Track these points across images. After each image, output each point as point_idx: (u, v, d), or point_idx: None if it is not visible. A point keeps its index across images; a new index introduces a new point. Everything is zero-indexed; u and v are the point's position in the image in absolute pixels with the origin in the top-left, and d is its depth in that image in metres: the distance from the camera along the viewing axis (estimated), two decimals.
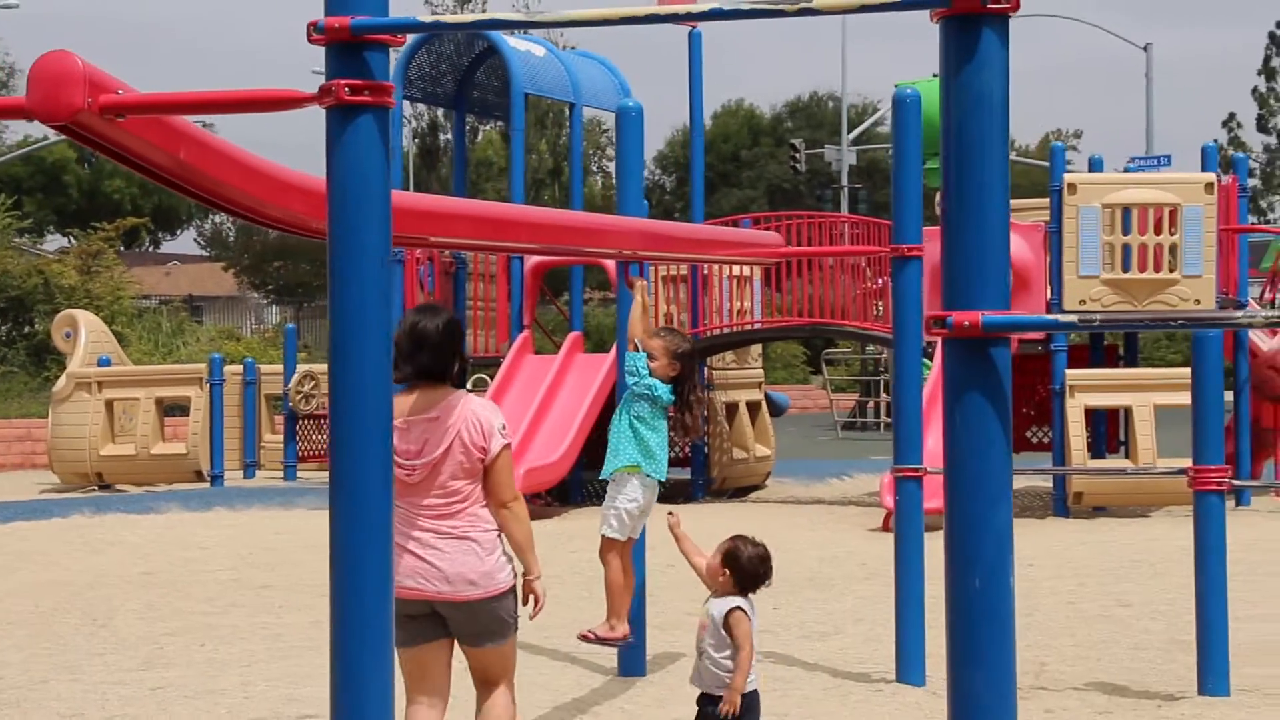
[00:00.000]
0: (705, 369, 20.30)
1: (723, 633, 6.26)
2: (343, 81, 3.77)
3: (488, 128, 59.41)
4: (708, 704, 6.31)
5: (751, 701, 6.30)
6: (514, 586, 5.97)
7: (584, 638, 8.07)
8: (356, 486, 3.86)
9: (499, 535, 5.93)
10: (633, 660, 9.02)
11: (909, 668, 8.75)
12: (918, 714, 8.05)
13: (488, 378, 21.35)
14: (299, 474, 22.97)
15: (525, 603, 6.03)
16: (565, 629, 10.55)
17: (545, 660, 9.52)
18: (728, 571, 6.33)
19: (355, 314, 3.83)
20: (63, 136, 4.15)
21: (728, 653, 6.25)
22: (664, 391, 7.49)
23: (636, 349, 7.62)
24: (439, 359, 5.89)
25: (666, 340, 7.57)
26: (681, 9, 3.70)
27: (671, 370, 7.52)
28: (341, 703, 3.89)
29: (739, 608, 6.27)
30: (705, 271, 19.45)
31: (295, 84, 4.19)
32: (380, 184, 3.85)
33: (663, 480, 7.74)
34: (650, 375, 7.49)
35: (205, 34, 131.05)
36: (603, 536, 7.72)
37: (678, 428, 7.71)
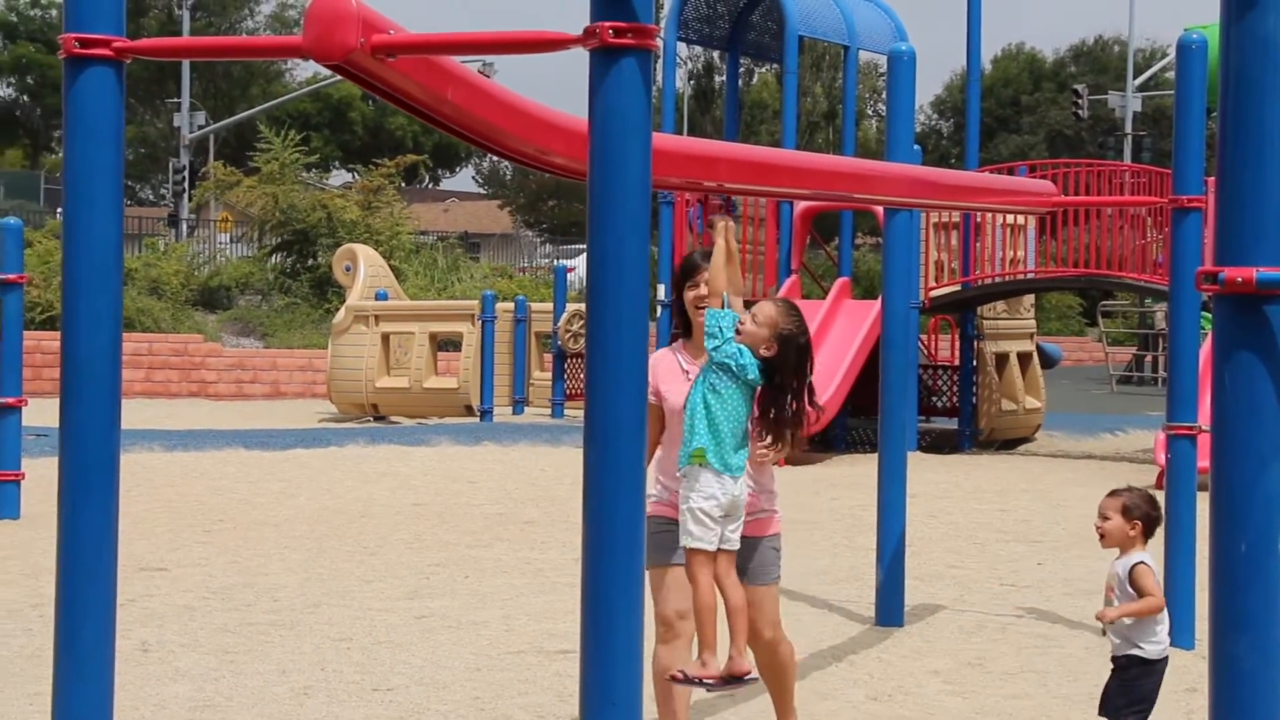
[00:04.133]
0: (974, 318, 19.97)
1: (1130, 589, 5.97)
2: (607, 24, 3.76)
3: (763, 70, 59.25)
4: (1124, 666, 6.02)
5: (1152, 668, 5.98)
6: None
7: (674, 678, 6.35)
8: (610, 427, 3.87)
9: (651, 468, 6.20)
10: (891, 610, 8.96)
11: (1178, 631, 8.47)
12: (1185, 678, 7.83)
13: None
14: (566, 412, 23.31)
15: None
16: (821, 576, 10.56)
17: (804, 607, 9.51)
18: (1138, 524, 6.04)
19: (614, 255, 3.83)
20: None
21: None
22: (752, 367, 5.77)
23: (723, 305, 5.83)
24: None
25: (777, 311, 5.89)
26: None
27: (767, 349, 5.79)
28: (591, 638, 3.93)
29: (1143, 561, 5.99)
30: (978, 219, 19.12)
31: (554, 24, 4.22)
32: (641, 126, 3.83)
33: (738, 475, 5.88)
34: (735, 340, 5.75)
35: None
36: (685, 548, 5.95)
37: (763, 429, 5.93)
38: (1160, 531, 8.91)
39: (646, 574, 5.95)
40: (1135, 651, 5.95)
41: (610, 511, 3.89)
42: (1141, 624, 5.96)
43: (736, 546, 5.97)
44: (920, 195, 7.88)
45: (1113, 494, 6.17)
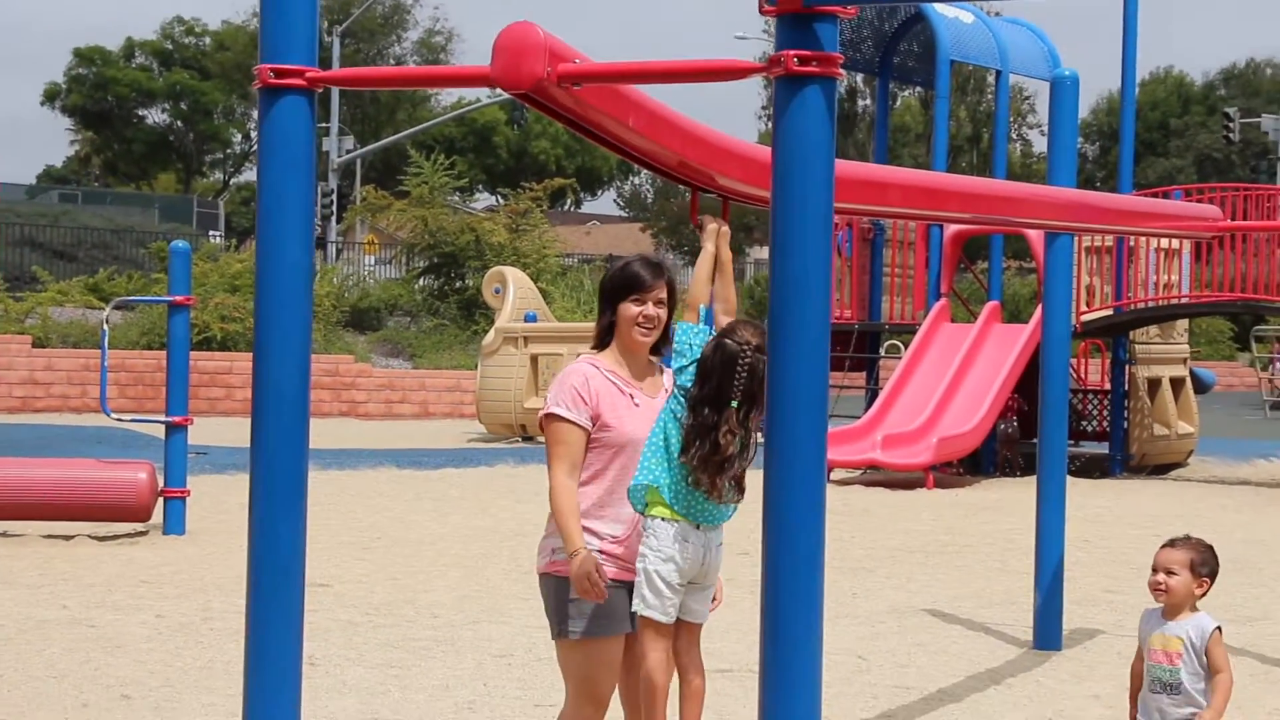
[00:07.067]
0: (1127, 342, 19.74)
1: (1203, 659, 5.35)
2: (792, 52, 3.82)
3: (905, 94, 59.02)
4: None
5: None
6: (544, 575, 5.14)
7: None
8: (791, 449, 3.91)
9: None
10: (1049, 634, 8.92)
11: None
12: None
13: (901, 345, 21.33)
14: None
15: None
16: (976, 599, 10.52)
17: (959, 630, 9.50)
18: (1206, 583, 5.42)
19: (797, 282, 3.88)
20: (496, 99, 4.34)
21: (1204, 679, 5.36)
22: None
23: (700, 319, 5.09)
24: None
25: (735, 321, 5.07)
26: None
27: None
28: (770, 666, 3.96)
29: (1220, 627, 5.39)
30: (1131, 244, 18.93)
31: (708, 49, 4.24)
32: (825, 153, 3.89)
33: (711, 523, 4.98)
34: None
35: None
36: (636, 615, 5.04)
37: (690, 462, 4.88)
38: None
39: (581, 645, 5.04)
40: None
41: (792, 536, 3.91)
42: (1206, 686, 5.38)
43: (703, 619, 5.06)
44: (1089, 219, 7.86)
45: (1174, 545, 5.49)
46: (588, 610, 5.00)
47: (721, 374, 4.86)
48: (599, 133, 4.64)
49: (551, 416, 5.03)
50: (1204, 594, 5.42)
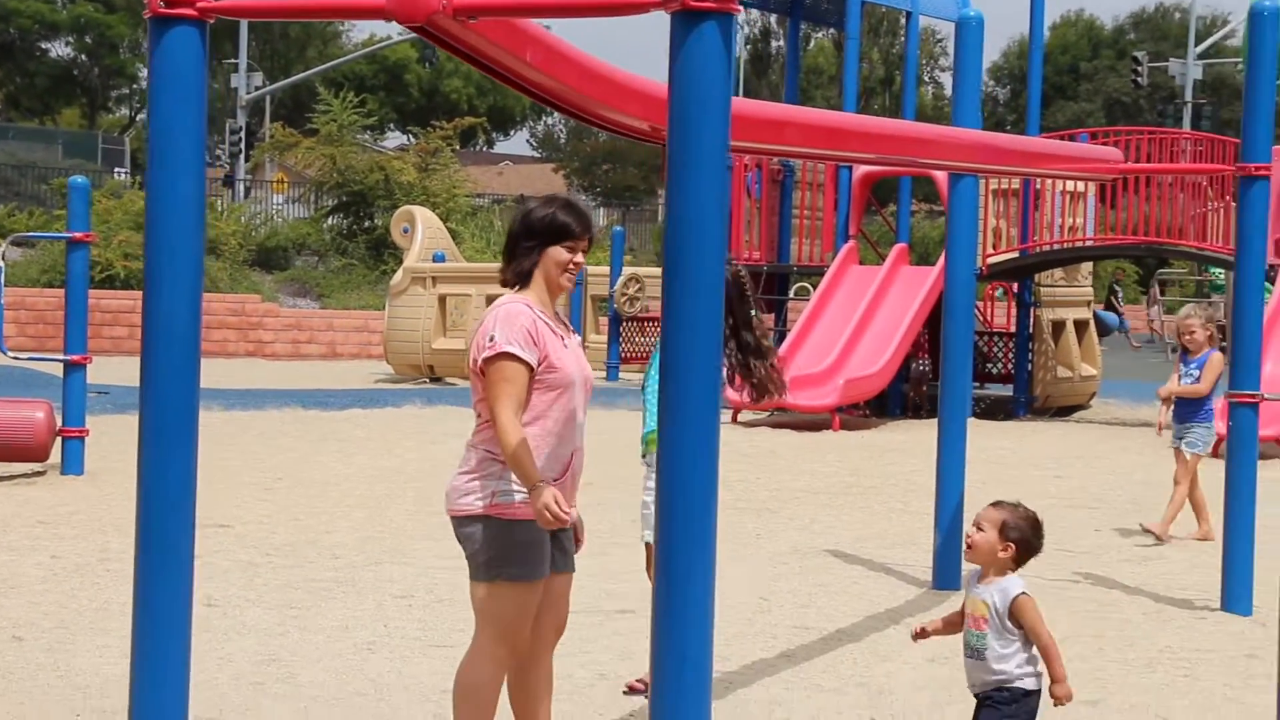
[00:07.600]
0: (1032, 285, 19.88)
1: (1009, 624, 5.16)
2: None
3: (820, 35, 59.07)
4: (990, 706, 5.19)
5: (1034, 698, 5.19)
6: (480, 517, 5.05)
7: (633, 689, 6.45)
8: (685, 390, 3.90)
9: (499, 459, 5.06)
10: (948, 573, 8.99)
11: (1235, 596, 8.53)
12: (1242, 644, 7.85)
13: (810, 286, 21.40)
14: (621, 375, 23.35)
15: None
16: (877, 539, 10.60)
17: (861, 570, 9.57)
18: (1011, 547, 5.22)
19: (693, 221, 3.85)
20: (406, 37, 4.28)
21: (1015, 646, 5.16)
22: None
23: None
24: (504, 256, 5.28)
25: None
26: None
27: None
28: (663, 602, 3.96)
29: (1024, 593, 5.17)
30: (1037, 186, 19.05)
31: None
32: (721, 90, 3.85)
33: None
34: None
35: None
36: (645, 544, 5.63)
37: (752, 379, 5.71)
38: (1219, 498, 8.94)
39: (515, 588, 5.04)
40: (1020, 684, 5.16)
41: (688, 473, 3.90)
42: (1020, 653, 5.17)
43: None
44: (990, 161, 7.88)
45: (997, 505, 5.36)
46: (527, 554, 5.02)
47: (736, 301, 5.69)
48: (499, 69, 4.58)
49: (505, 355, 4.98)
50: (1010, 558, 5.22)
